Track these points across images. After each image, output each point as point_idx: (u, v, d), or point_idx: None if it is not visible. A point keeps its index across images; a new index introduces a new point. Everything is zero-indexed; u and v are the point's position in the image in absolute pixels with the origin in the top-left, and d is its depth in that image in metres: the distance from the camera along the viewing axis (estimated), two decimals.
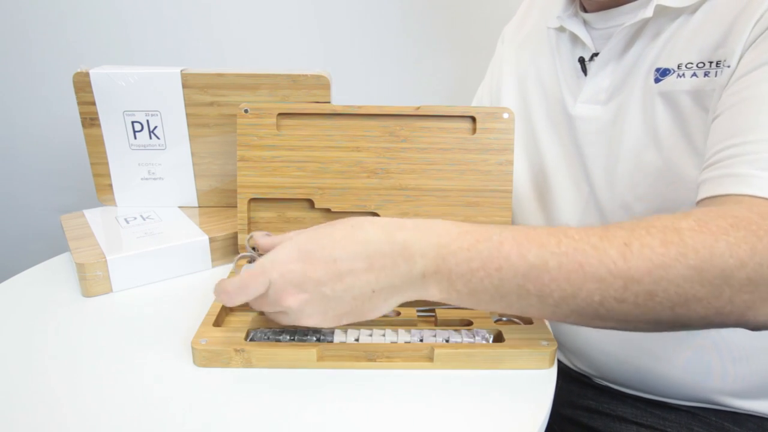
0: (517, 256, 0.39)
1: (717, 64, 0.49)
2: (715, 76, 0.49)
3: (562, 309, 0.39)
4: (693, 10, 0.52)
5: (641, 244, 0.37)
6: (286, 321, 0.42)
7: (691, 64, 0.51)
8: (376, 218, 0.42)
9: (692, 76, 0.51)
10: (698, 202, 0.46)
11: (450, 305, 0.46)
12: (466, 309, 0.49)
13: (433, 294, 0.41)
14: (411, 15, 1.06)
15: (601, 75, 0.58)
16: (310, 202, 0.61)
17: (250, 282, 0.40)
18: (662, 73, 0.53)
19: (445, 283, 0.40)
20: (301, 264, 0.40)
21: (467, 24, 1.06)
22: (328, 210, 0.61)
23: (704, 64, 0.50)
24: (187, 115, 0.68)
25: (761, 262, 0.37)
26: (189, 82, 0.66)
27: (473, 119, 0.60)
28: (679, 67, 0.52)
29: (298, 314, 0.41)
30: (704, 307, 0.38)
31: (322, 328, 0.47)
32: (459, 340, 0.46)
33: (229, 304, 0.41)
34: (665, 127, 0.53)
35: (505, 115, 0.59)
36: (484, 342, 0.46)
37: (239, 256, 0.50)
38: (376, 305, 0.41)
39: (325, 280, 0.40)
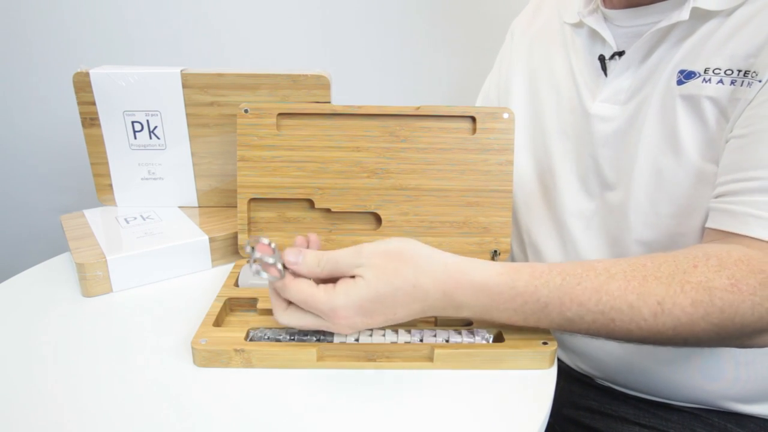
0: (558, 314, 0.43)
1: (746, 74, 0.47)
2: (741, 85, 0.47)
3: (582, 335, 0.45)
4: (728, 13, 0.50)
5: (673, 303, 0.41)
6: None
7: (719, 70, 0.49)
8: (437, 275, 0.42)
9: (718, 82, 0.49)
10: (709, 229, 0.48)
11: None
12: None
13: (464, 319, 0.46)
14: (411, 15, 1.06)
15: (625, 75, 0.57)
16: (310, 202, 0.61)
17: (307, 322, 0.43)
18: (686, 76, 0.51)
19: (483, 321, 0.45)
20: (361, 318, 0.42)
21: (467, 24, 1.06)
22: (328, 210, 0.61)
23: (732, 72, 0.48)
24: (187, 115, 0.68)
25: None
26: (189, 82, 0.66)
27: (473, 119, 0.59)
28: (705, 71, 0.50)
29: (342, 332, 0.44)
30: (714, 344, 0.44)
31: None
32: (459, 340, 0.46)
33: (275, 317, 0.44)
34: (685, 131, 0.51)
35: (505, 115, 0.59)
36: (484, 342, 0.46)
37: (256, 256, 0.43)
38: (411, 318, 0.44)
39: (382, 322, 0.43)
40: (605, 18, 0.59)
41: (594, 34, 0.60)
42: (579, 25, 0.62)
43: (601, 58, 0.59)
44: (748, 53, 0.47)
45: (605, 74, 0.58)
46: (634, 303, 0.41)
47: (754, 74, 0.47)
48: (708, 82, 0.49)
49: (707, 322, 0.41)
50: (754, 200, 0.44)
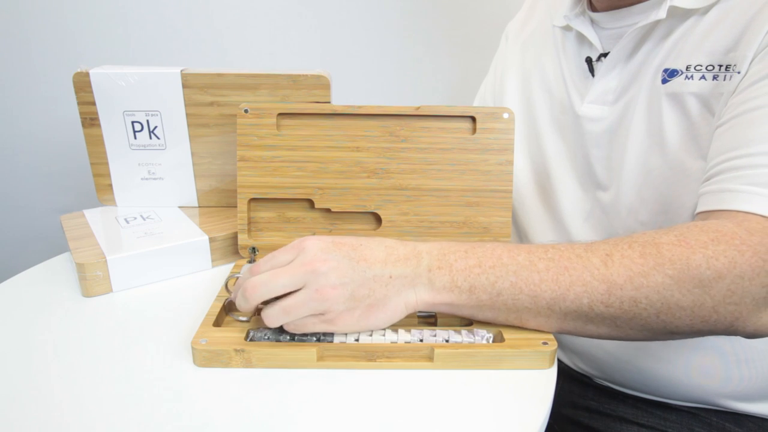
0: (508, 257, 0.43)
1: (727, 68, 0.48)
2: (724, 80, 0.48)
3: (556, 312, 0.42)
4: (705, 11, 0.51)
5: (621, 255, 0.41)
6: (305, 299, 0.42)
7: (700, 66, 0.50)
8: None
9: (701, 78, 0.50)
10: (696, 215, 0.47)
11: (455, 315, 0.47)
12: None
13: (439, 289, 0.43)
14: (411, 15, 1.06)
15: (610, 75, 0.57)
16: (310, 202, 0.61)
17: (279, 251, 0.44)
18: (670, 74, 0.52)
19: (448, 277, 0.43)
20: (330, 241, 0.44)
21: (467, 24, 1.06)
22: (328, 210, 0.61)
23: (713, 67, 0.49)
24: (187, 115, 0.68)
25: (741, 275, 0.39)
26: (189, 82, 0.66)
27: (473, 119, 0.60)
28: (687, 68, 0.51)
29: (323, 280, 0.41)
30: (689, 316, 0.40)
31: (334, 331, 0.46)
32: (459, 340, 0.46)
33: (254, 273, 0.44)
34: (671, 129, 0.52)
35: (505, 115, 0.59)
36: (484, 342, 0.46)
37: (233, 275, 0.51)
38: (391, 295, 0.43)
39: (352, 255, 0.43)
40: (591, 21, 0.60)
41: (581, 37, 0.61)
42: (567, 28, 0.63)
43: (588, 60, 0.60)
44: (727, 48, 0.49)
45: (592, 75, 0.59)
46: (582, 254, 0.42)
47: (733, 67, 0.48)
48: (690, 79, 0.51)
49: (662, 274, 0.39)
50: (727, 177, 0.45)
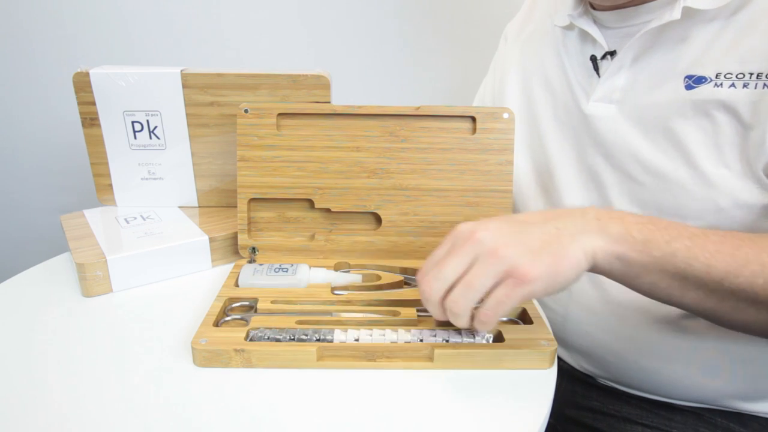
0: (679, 224, 0.41)
1: (758, 76, 0.47)
2: (756, 88, 0.47)
3: (724, 287, 0.41)
4: (729, 14, 0.50)
5: None
6: (482, 264, 0.39)
7: (731, 74, 0.49)
8: None
9: (730, 86, 0.49)
10: None
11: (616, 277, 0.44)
12: None
13: (615, 238, 0.40)
14: (411, 15, 1.06)
15: (618, 74, 0.57)
16: (310, 202, 0.61)
17: (435, 251, 0.42)
18: (696, 81, 0.51)
19: (621, 227, 0.41)
20: (481, 218, 0.42)
21: (467, 24, 1.06)
22: (328, 210, 0.61)
23: (744, 75, 0.48)
24: (187, 115, 0.68)
25: None
26: (189, 82, 0.66)
27: (473, 119, 0.59)
28: (717, 76, 0.50)
29: (491, 242, 0.39)
30: None
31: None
32: (459, 340, 0.46)
33: (421, 279, 0.41)
34: (692, 135, 0.51)
35: (505, 115, 0.59)
36: (484, 342, 0.46)
37: None
38: (566, 243, 0.40)
39: (509, 219, 0.42)
40: (594, 20, 0.60)
41: (585, 35, 0.60)
42: (570, 27, 0.62)
43: (593, 59, 0.59)
44: (762, 55, 0.47)
45: (597, 74, 0.59)
46: (753, 237, 0.41)
47: None
48: (720, 87, 0.49)
49: None
50: None
